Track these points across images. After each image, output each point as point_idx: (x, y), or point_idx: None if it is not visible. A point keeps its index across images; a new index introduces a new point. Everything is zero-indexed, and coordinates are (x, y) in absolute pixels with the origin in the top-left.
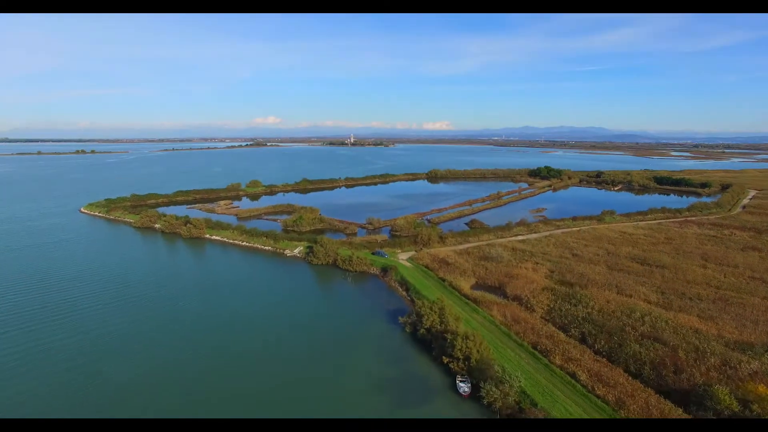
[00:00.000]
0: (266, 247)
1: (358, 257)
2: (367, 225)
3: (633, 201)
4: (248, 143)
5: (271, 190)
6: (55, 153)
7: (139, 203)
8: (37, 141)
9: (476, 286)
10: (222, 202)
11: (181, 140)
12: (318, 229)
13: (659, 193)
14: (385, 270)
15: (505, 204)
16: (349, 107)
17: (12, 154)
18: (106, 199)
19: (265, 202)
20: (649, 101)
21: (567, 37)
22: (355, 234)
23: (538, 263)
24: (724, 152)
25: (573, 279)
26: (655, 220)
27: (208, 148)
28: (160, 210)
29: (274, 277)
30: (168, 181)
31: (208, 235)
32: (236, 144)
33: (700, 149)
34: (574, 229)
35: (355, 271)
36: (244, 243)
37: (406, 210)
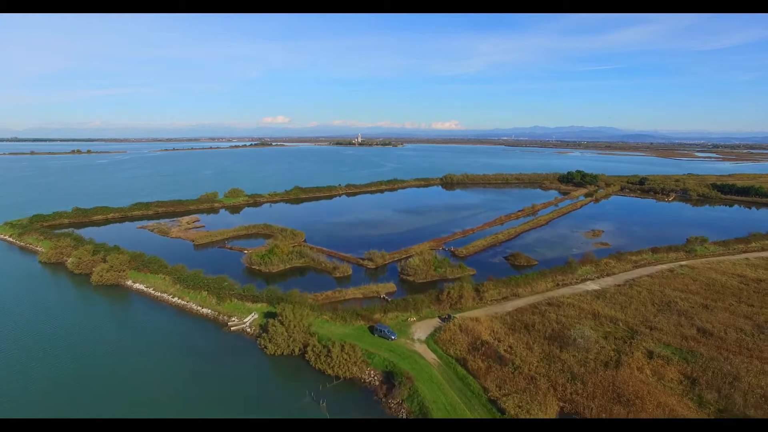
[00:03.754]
0: (204, 310)
1: (342, 348)
2: (366, 262)
3: (701, 217)
4: (253, 143)
5: (254, 201)
6: (49, 153)
7: (79, 219)
8: (47, 140)
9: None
10: (185, 219)
11: (189, 140)
12: (296, 267)
13: (723, 204)
14: (389, 379)
15: (546, 222)
16: (358, 107)
17: (1, 154)
18: (34, 215)
19: (246, 216)
20: (661, 101)
21: (578, 36)
22: (348, 277)
23: (653, 353)
24: (751, 153)
25: (748, 407)
26: (764, 250)
27: (210, 148)
28: (108, 229)
29: (180, 397)
30: (144, 187)
31: (131, 281)
32: (240, 144)
33: (722, 149)
34: (661, 267)
35: (337, 377)
36: (175, 299)
37: (420, 233)
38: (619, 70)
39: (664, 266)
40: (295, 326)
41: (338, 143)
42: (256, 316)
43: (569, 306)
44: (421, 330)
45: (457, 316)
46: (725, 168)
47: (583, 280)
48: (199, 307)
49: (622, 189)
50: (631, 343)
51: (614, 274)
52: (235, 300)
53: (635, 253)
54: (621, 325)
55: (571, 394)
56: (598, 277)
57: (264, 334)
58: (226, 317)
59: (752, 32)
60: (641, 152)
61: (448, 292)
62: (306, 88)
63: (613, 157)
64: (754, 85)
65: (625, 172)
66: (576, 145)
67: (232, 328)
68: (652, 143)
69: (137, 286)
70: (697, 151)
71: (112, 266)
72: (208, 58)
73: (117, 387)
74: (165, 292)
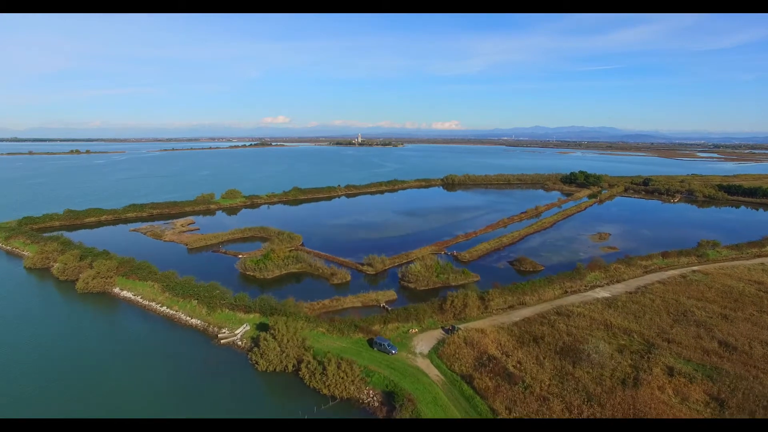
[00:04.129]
0: (193, 320)
1: (338, 365)
2: (365, 267)
3: (709, 219)
4: (253, 143)
5: (252, 202)
6: (48, 153)
7: (72, 222)
8: (47, 140)
9: None
10: (180, 222)
11: (189, 140)
12: (292, 273)
13: (729, 206)
14: (390, 399)
15: (551, 225)
16: (358, 107)
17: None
18: (23, 218)
19: (243, 218)
20: (661, 101)
21: (578, 36)
22: (346, 284)
23: (673, 369)
24: (752, 153)
25: None
26: None
27: (210, 148)
28: (100, 231)
29: (162, 416)
30: (140, 188)
31: (118, 288)
32: (240, 144)
33: (723, 150)
34: (673, 273)
35: (333, 397)
36: (163, 308)
37: (421, 236)
38: (619, 70)
39: (676, 272)
40: (288, 341)
41: (338, 143)
42: (248, 327)
43: (579, 316)
44: (424, 343)
45: (462, 327)
46: (729, 168)
47: (592, 287)
48: (188, 318)
49: (626, 190)
50: (648, 357)
51: (624, 280)
52: (227, 310)
53: (645, 257)
54: (636, 337)
55: (583, 415)
56: (607, 284)
57: (255, 349)
58: (216, 329)
59: (752, 32)
60: (643, 152)
61: (452, 301)
62: (306, 88)
63: (614, 158)
64: (755, 85)
65: (628, 172)
66: (577, 145)
67: (222, 341)
68: (652, 143)
69: (125, 293)
70: (699, 152)
71: (98, 273)
72: (208, 58)
73: (94, 404)
74: (153, 300)
